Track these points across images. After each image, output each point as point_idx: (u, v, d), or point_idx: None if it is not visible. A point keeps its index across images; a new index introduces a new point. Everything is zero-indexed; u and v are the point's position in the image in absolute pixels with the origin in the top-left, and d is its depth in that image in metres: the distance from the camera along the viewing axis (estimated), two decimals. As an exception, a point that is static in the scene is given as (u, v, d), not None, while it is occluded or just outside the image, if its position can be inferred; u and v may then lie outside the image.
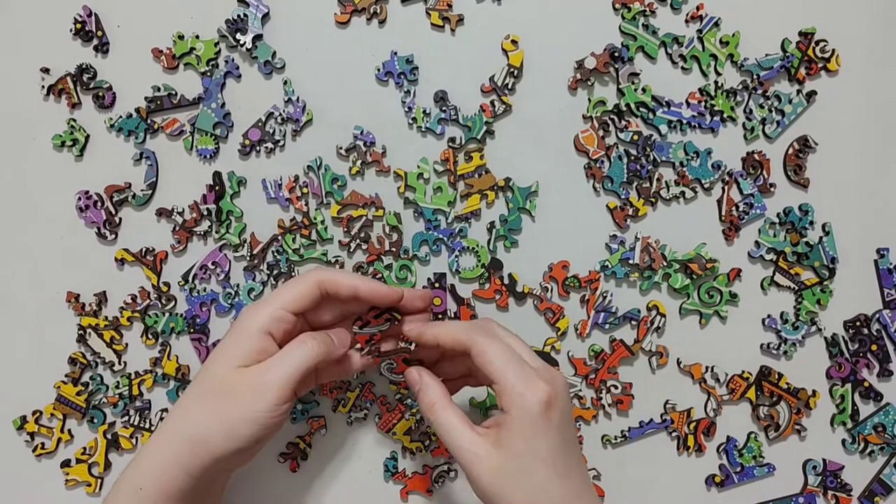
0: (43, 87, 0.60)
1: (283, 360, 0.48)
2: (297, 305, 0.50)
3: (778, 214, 0.61)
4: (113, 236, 0.60)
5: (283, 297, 0.50)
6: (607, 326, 0.61)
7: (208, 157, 0.60)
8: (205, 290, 0.60)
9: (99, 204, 0.60)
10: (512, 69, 0.60)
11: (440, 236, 0.61)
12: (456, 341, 0.49)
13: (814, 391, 0.61)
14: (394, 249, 0.60)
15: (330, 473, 0.61)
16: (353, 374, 0.61)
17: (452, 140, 0.60)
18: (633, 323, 0.61)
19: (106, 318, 0.60)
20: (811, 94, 0.61)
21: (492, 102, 0.60)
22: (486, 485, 0.46)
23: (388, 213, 0.60)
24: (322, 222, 0.60)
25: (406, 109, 0.60)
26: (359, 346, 0.54)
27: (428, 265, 0.61)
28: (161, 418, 0.60)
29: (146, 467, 0.48)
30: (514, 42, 0.60)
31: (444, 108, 0.60)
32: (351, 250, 0.60)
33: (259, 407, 0.47)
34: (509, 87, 0.60)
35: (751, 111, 0.61)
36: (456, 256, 0.61)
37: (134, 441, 0.60)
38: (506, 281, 0.61)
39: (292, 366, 0.48)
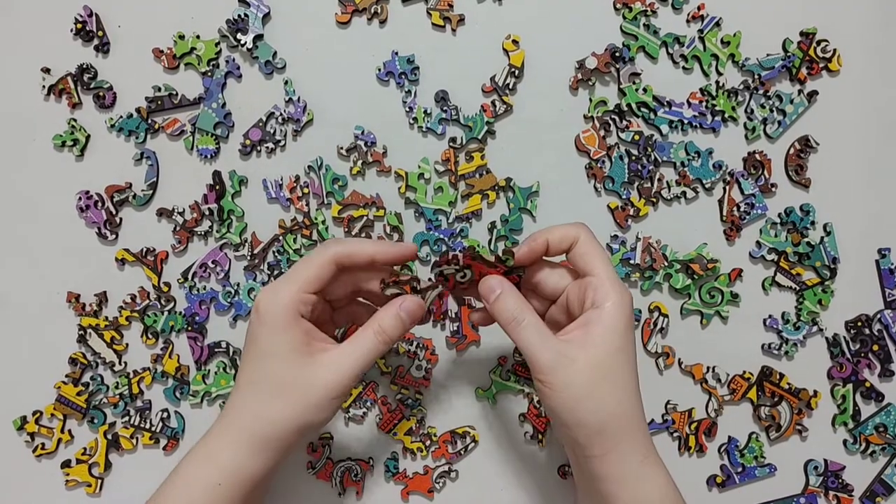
0: (43, 87, 0.60)
1: (355, 351, 0.48)
2: (316, 285, 0.49)
3: (779, 214, 0.61)
4: (113, 236, 0.60)
5: (302, 277, 0.49)
6: (608, 327, 0.61)
7: (209, 157, 0.60)
8: (204, 288, 0.60)
9: (99, 204, 0.60)
10: (513, 69, 0.60)
11: (441, 236, 0.60)
12: (564, 236, 0.49)
13: (815, 391, 0.61)
14: (394, 249, 0.60)
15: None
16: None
17: (453, 140, 0.60)
18: (635, 323, 0.61)
19: (106, 318, 0.60)
20: (812, 94, 0.61)
21: (493, 102, 0.60)
22: (578, 388, 0.45)
23: (388, 214, 0.60)
24: (323, 222, 0.60)
25: (407, 109, 0.60)
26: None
27: (429, 265, 0.61)
28: (162, 418, 0.60)
29: (222, 462, 0.48)
30: (515, 42, 0.60)
31: (444, 108, 0.60)
32: (352, 250, 0.60)
33: (333, 395, 0.48)
34: (510, 86, 0.60)
35: (752, 111, 0.61)
36: (457, 256, 0.60)
37: (134, 441, 0.60)
38: (507, 281, 0.61)
39: (364, 358, 0.48)
